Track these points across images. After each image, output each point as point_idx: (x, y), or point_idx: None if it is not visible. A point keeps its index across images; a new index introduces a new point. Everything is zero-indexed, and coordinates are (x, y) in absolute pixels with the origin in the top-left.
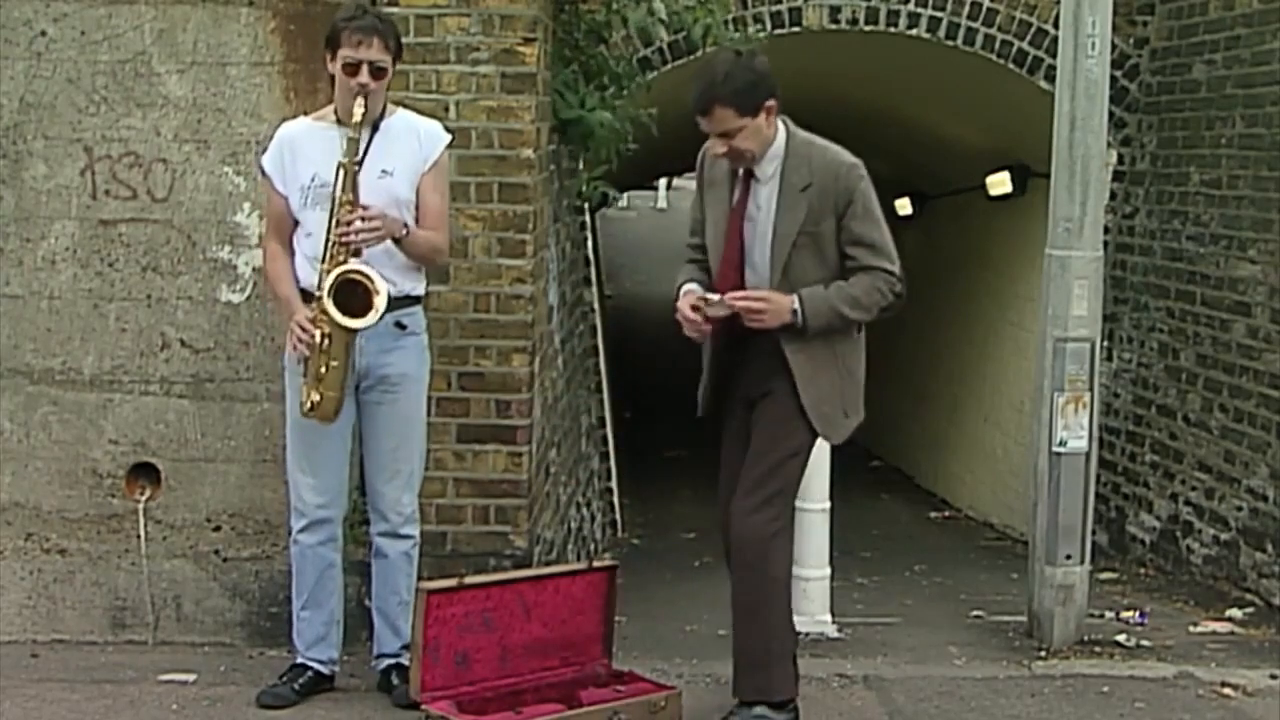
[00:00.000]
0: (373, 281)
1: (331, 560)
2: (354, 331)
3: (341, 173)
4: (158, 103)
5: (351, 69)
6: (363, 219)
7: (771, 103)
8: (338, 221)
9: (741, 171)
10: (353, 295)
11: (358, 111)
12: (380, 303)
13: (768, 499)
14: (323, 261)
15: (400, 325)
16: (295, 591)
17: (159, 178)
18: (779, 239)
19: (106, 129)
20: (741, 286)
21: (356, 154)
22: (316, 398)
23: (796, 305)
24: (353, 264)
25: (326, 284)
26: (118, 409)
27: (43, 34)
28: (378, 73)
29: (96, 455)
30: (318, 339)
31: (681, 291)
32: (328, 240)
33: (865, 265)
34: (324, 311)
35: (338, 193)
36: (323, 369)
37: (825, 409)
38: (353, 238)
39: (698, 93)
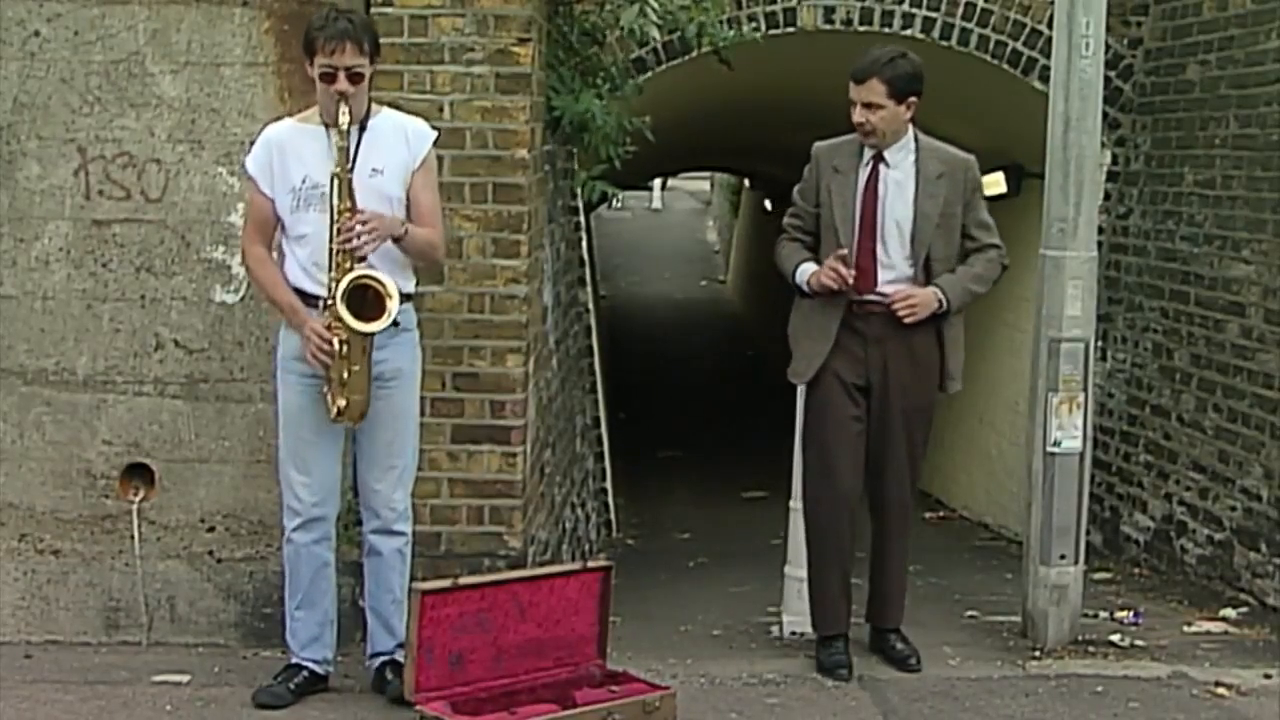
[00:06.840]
0: (384, 285)
1: (325, 559)
2: (370, 335)
3: (336, 182)
4: (151, 103)
5: (329, 77)
6: (362, 223)
7: (914, 100)
8: (339, 230)
9: (869, 158)
10: (363, 300)
11: (343, 120)
12: (393, 305)
13: (916, 478)
14: (330, 270)
15: (394, 323)
16: (289, 592)
17: (153, 178)
18: (921, 219)
19: (100, 129)
20: (873, 252)
21: (348, 162)
22: (343, 403)
23: (941, 295)
24: (362, 269)
25: (339, 291)
26: (111, 409)
27: (36, 34)
28: (354, 77)
29: (90, 456)
30: (336, 346)
31: (804, 269)
32: (331, 248)
33: (983, 244)
34: (338, 318)
35: (335, 202)
36: (345, 374)
37: (959, 368)
38: (355, 242)
39: (864, 63)
